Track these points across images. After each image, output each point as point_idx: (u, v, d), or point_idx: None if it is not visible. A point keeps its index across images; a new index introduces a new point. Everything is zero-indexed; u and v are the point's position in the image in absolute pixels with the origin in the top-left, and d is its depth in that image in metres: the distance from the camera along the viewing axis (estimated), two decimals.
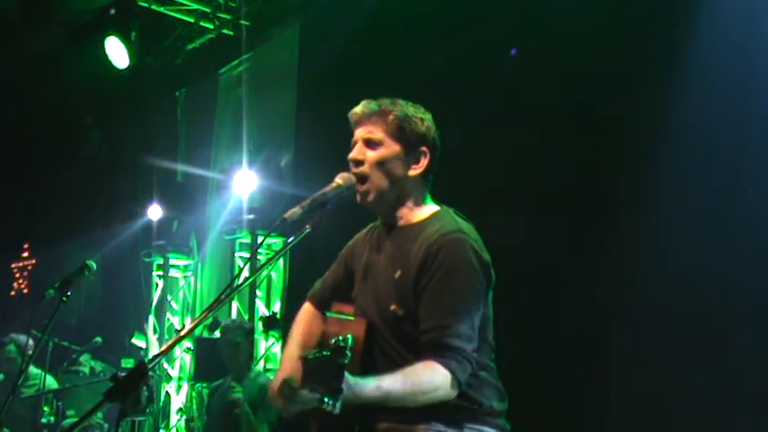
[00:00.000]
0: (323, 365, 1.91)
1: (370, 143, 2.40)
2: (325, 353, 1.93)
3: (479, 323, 2.31)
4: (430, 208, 2.47)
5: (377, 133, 2.39)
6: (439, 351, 2.21)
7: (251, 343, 5.37)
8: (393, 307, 2.33)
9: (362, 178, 2.39)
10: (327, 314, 2.53)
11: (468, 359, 2.23)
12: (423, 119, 2.43)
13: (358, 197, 2.42)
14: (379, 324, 2.36)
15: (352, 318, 2.44)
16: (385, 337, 2.35)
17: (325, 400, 1.89)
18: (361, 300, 2.47)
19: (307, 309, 2.68)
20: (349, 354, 1.92)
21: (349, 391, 1.98)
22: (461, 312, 2.25)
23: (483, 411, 2.34)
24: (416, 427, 2.28)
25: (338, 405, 1.90)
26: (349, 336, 1.95)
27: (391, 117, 2.40)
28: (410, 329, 2.30)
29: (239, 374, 5.26)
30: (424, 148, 2.42)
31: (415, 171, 2.42)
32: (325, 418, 2.02)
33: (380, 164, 2.38)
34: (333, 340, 1.94)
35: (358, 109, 2.45)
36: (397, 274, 2.35)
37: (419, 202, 2.46)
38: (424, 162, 2.43)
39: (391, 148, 2.39)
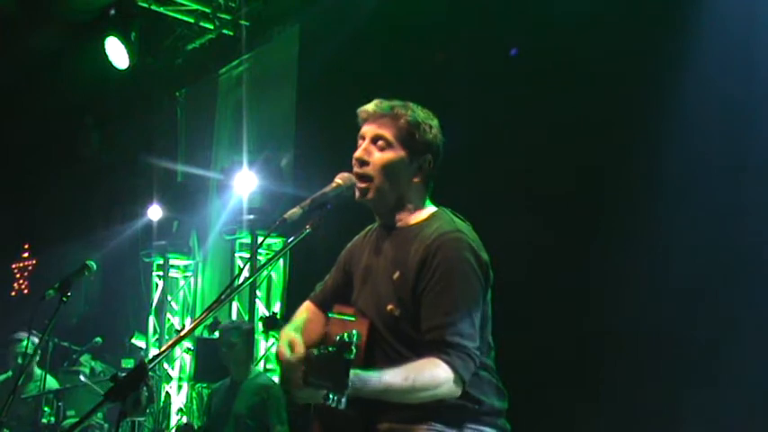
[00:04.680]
0: (328, 361, 1.92)
1: (378, 143, 2.40)
2: (330, 348, 1.93)
3: (480, 321, 2.31)
4: (428, 209, 2.47)
5: (386, 135, 2.39)
6: (442, 349, 2.21)
7: (248, 344, 5.30)
8: (390, 307, 2.33)
9: (365, 178, 2.40)
10: (329, 315, 2.53)
11: (470, 356, 2.23)
12: (431, 126, 2.44)
13: (357, 194, 2.41)
14: (379, 325, 2.36)
15: (353, 318, 2.44)
16: (385, 337, 2.35)
17: (331, 395, 1.90)
18: (361, 302, 2.47)
19: (308, 305, 2.69)
20: (354, 350, 1.92)
21: (356, 379, 1.99)
22: (462, 310, 2.25)
23: (483, 410, 2.34)
24: (417, 426, 2.28)
25: (343, 400, 1.91)
26: (355, 332, 1.95)
27: (402, 121, 2.40)
28: (408, 330, 2.31)
29: (238, 375, 5.25)
30: (428, 156, 2.43)
31: (417, 178, 2.43)
32: (328, 418, 2.02)
33: (385, 167, 2.39)
34: (338, 336, 1.95)
35: (370, 107, 2.45)
36: (396, 275, 2.35)
37: (419, 206, 2.47)
38: (427, 169, 2.44)
39: (398, 152, 2.40)
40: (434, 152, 2.44)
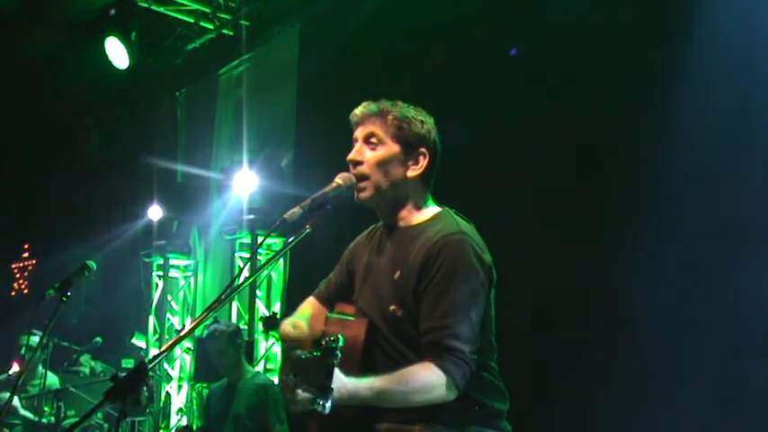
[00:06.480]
0: (314, 365, 1.94)
1: (370, 143, 2.41)
2: (315, 353, 1.95)
3: (481, 324, 2.30)
4: (431, 210, 2.47)
5: (376, 133, 2.40)
6: (437, 352, 2.20)
7: (236, 345, 5.27)
8: (393, 307, 2.33)
9: (361, 178, 2.40)
10: (329, 315, 2.53)
11: (466, 361, 2.22)
12: (423, 121, 2.44)
13: (356, 195, 2.42)
14: (380, 324, 2.36)
15: (352, 318, 2.44)
16: (386, 337, 2.35)
17: (317, 400, 1.91)
18: (362, 301, 2.47)
19: (311, 301, 2.69)
20: (339, 354, 1.94)
21: (344, 389, 2.01)
22: (461, 313, 2.24)
23: (484, 412, 2.34)
24: (416, 427, 2.28)
25: (328, 405, 1.92)
26: (340, 336, 1.97)
27: (390, 117, 2.40)
28: (410, 330, 2.30)
29: (234, 378, 5.24)
30: (423, 150, 2.43)
31: (414, 172, 2.42)
32: (326, 418, 2.03)
33: (379, 164, 2.39)
34: (324, 341, 1.96)
35: (358, 110, 2.46)
36: (397, 274, 2.35)
37: (420, 204, 2.46)
38: (423, 163, 2.43)
39: (390, 148, 2.40)
40: (429, 147, 2.44)
